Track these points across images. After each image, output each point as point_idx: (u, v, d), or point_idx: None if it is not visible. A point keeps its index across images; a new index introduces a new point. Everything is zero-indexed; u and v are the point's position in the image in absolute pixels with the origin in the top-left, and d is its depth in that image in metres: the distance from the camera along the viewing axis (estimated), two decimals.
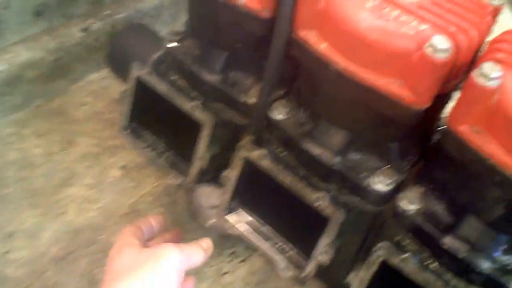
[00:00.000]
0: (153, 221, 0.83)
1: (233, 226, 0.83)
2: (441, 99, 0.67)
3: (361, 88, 0.65)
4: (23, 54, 1.23)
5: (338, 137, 0.75)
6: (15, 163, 1.14)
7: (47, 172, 1.13)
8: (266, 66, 0.75)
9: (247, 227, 0.83)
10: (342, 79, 0.66)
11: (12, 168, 1.13)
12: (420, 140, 0.77)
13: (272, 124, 0.81)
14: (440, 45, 0.57)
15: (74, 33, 1.32)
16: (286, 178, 0.75)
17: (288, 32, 0.70)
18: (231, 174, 0.80)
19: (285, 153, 0.81)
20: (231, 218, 0.83)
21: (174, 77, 0.91)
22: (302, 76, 0.78)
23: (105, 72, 1.40)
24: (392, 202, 0.75)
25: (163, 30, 1.52)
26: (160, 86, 0.85)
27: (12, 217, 1.05)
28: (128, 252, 0.72)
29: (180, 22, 1.58)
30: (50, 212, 1.06)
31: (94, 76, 1.40)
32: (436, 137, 0.78)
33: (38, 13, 1.29)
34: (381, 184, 0.73)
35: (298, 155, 0.79)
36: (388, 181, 0.73)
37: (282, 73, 0.77)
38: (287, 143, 0.80)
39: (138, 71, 0.88)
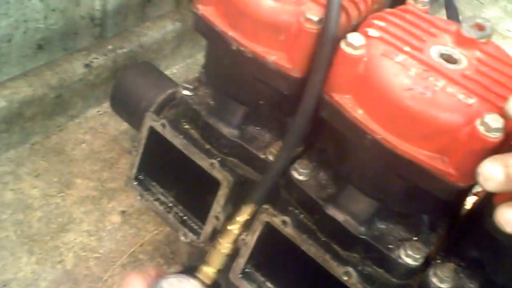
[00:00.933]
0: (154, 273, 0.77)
1: None
2: None
3: (399, 160, 0.62)
4: (23, 91, 1.18)
5: (365, 205, 0.71)
6: (10, 205, 1.09)
7: (45, 216, 1.08)
8: (291, 129, 0.71)
9: None
10: (378, 148, 0.63)
11: (8, 210, 1.08)
12: (450, 211, 0.73)
13: (292, 185, 0.77)
14: (494, 124, 0.54)
15: (76, 68, 1.27)
16: (310, 249, 0.71)
17: (319, 95, 0.66)
18: (249, 238, 0.76)
19: (304, 215, 0.77)
20: (246, 283, 0.78)
21: (186, 126, 0.87)
22: (330, 138, 0.74)
23: (104, 108, 1.36)
24: (418, 276, 0.71)
25: (163, 64, 1.50)
26: (176, 140, 0.81)
27: (7, 264, 0.99)
28: None
29: (181, 55, 1.57)
30: (47, 260, 1.01)
31: (92, 111, 1.36)
32: (469, 209, 0.74)
33: (40, 47, 1.25)
34: (410, 257, 0.68)
35: (320, 219, 0.75)
36: (418, 255, 0.69)
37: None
38: (308, 205, 0.76)
39: (152, 122, 0.83)
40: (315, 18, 0.66)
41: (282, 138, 0.81)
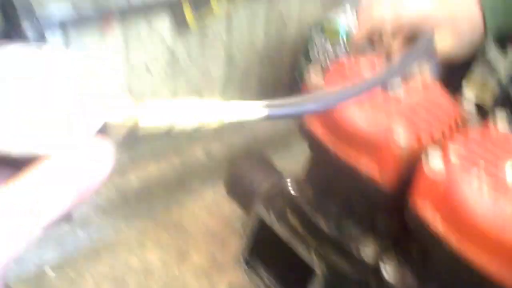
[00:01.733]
0: None
1: None
2: None
3: (474, 271, 0.70)
4: (153, 171, 1.37)
5: None
6: (136, 270, 1.26)
7: (164, 283, 1.24)
8: None
9: None
10: (456, 257, 0.72)
11: (134, 275, 1.25)
12: None
13: (382, 283, 0.86)
14: None
15: (197, 154, 1.46)
16: None
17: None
18: None
19: None
20: None
21: (291, 218, 0.99)
22: (414, 242, 0.84)
23: (218, 189, 1.52)
24: None
25: (274, 156, 1.65)
26: (281, 230, 0.94)
27: None
28: None
29: (290, 150, 1.71)
30: None
31: (209, 192, 1.53)
32: None
33: (166, 133, 1.44)
34: None
35: None
36: None
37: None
38: None
39: (262, 212, 0.97)
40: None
41: (374, 235, 0.92)
